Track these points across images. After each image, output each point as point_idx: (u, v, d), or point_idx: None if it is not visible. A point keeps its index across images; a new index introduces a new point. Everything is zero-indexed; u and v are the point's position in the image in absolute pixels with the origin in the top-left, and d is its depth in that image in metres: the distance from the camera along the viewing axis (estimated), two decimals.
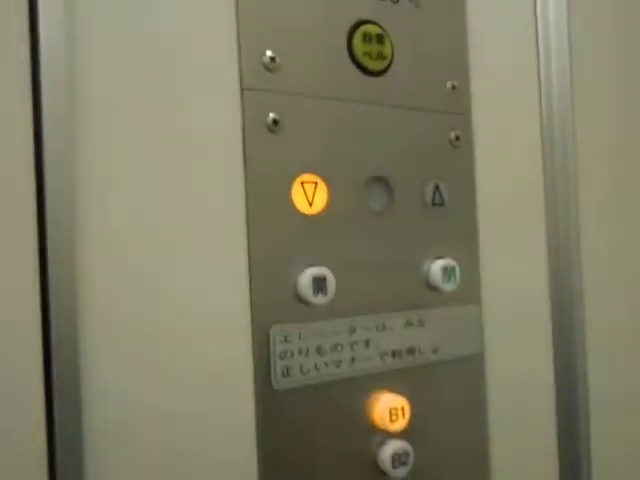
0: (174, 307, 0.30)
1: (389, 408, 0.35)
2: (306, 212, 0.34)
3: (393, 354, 0.36)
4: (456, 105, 0.40)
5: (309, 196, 0.34)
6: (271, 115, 0.33)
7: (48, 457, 0.27)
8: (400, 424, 0.36)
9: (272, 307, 0.33)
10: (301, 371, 0.33)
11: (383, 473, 0.35)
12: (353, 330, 0.35)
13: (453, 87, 0.39)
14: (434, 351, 0.38)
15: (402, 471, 0.35)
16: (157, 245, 0.30)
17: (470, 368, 0.40)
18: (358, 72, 0.36)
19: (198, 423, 0.31)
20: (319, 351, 0.34)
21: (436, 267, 0.38)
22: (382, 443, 0.36)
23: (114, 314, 0.29)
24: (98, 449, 0.28)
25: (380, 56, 0.36)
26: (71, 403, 0.27)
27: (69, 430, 0.27)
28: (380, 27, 0.36)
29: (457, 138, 0.40)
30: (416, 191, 0.38)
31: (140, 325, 0.29)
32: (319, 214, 0.34)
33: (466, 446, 0.39)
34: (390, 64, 0.37)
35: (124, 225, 0.29)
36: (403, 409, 0.36)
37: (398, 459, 0.35)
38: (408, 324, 0.37)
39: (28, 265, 0.27)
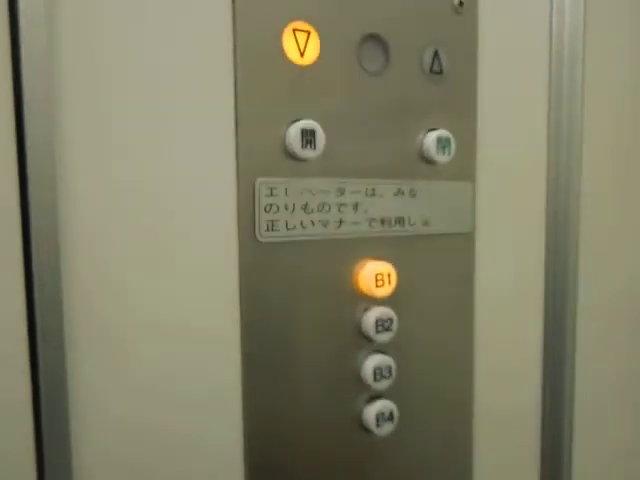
0: (157, 156, 0.29)
1: (375, 273, 0.35)
2: (297, 62, 0.32)
3: (382, 221, 0.36)
4: None
5: (301, 45, 0.32)
6: None
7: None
8: (385, 290, 0.35)
9: (259, 159, 0.32)
10: (287, 227, 0.32)
11: (366, 337, 0.35)
12: (342, 192, 0.34)
13: None
14: (424, 223, 0.37)
15: (385, 336, 0.35)
16: (139, 93, 0.29)
17: (460, 245, 0.39)
18: None
19: (181, 270, 0.30)
20: (305, 208, 0.33)
21: (430, 137, 0.36)
22: (366, 308, 0.35)
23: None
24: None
25: None
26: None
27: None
28: None
29: (460, 3, 0.37)
30: (414, 56, 0.36)
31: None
32: (311, 65, 0.32)
33: (450, 317, 0.39)
34: None
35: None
36: (389, 275, 0.35)
37: (382, 324, 0.35)
38: (399, 193, 0.36)
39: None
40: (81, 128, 0.28)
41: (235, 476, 0.32)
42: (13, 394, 0.27)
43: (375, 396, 0.36)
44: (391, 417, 0.36)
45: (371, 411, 0.36)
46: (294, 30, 0.32)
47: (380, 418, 0.36)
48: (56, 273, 0.27)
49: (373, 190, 0.35)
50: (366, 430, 0.36)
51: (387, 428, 0.36)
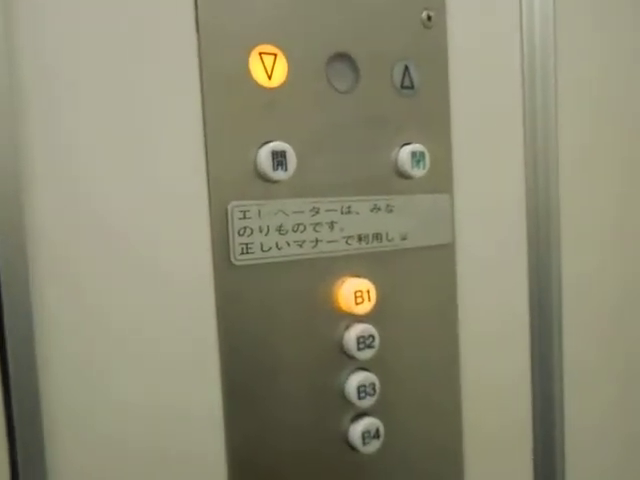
0: (128, 180, 0.29)
1: (354, 290, 0.35)
2: (265, 85, 0.32)
3: (359, 238, 0.36)
4: None
5: (268, 68, 0.32)
6: None
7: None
8: (365, 307, 0.35)
9: (230, 183, 0.32)
10: (262, 249, 0.32)
11: (348, 355, 0.35)
12: (316, 211, 0.34)
13: None
14: (403, 238, 0.37)
15: (367, 353, 0.35)
16: (109, 118, 0.29)
17: (440, 257, 0.39)
18: None
19: (158, 295, 0.30)
20: (280, 230, 0.33)
21: (404, 152, 0.37)
22: (347, 326, 0.35)
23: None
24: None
25: None
26: None
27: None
28: None
29: (429, 18, 0.38)
30: (384, 72, 0.36)
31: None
32: (279, 88, 0.33)
33: (434, 330, 0.39)
34: None
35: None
36: (369, 292, 0.35)
37: (364, 342, 0.35)
38: (375, 209, 0.36)
39: None
40: (47, 166, 0.28)
41: None
42: None
43: (360, 414, 0.36)
44: (377, 434, 0.36)
45: (357, 429, 0.35)
46: (260, 53, 0.32)
47: (366, 436, 0.35)
48: (25, 286, 0.27)
49: (349, 208, 0.35)
50: (352, 448, 0.36)
51: (374, 446, 0.36)
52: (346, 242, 0.35)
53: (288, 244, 0.33)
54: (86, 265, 0.29)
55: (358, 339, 0.35)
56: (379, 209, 0.36)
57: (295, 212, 0.33)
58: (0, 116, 0.26)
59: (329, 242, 0.35)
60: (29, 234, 0.27)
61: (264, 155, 0.32)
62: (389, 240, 0.37)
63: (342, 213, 0.35)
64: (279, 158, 0.32)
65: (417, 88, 0.37)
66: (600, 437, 0.48)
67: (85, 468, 0.29)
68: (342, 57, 0.35)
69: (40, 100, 0.27)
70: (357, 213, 0.35)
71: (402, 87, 0.37)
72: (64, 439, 0.28)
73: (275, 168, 0.32)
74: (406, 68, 0.37)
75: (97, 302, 0.29)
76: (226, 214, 0.31)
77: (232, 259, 0.32)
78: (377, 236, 0.36)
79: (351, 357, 0.35)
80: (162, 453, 0.31)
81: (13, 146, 0.26)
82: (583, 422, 0.46)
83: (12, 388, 0.27)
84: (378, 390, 0.36)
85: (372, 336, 0.35)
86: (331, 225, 0.35)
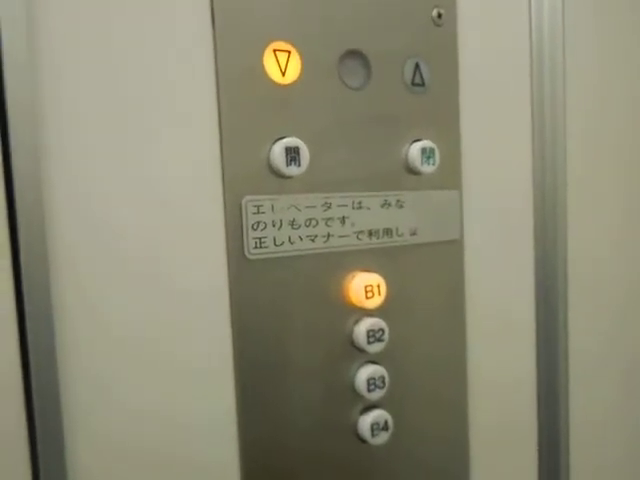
0: (144, 177, 0.30)
1: (365, 285, 0.35)
2: (279, 81, 0.33)
3: (370, 233, 0.36)
4: None
5: (282, 65, 0.33)
6: None
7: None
8: (375, 301, 0.36)
9: (245, 178, 0.32)
10: (275, 243, 0.33)
11: (358, 349, 0.36)
12: (328, 206, 0.35)
13: None
14: (412, 233, 0.38)
15: (377, 347, 0.36)
16: (125, 115, 0.29)
17: (449, 253, 0.40)
18: None
19: (171, 292, 0.31)
20: (293, 224, 0.33)
21: (415, 148, 0.37)
22: (358, 320, 0.36)
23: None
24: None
25: None
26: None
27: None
28: None
29: (439, 15, 0.38)
30: (395, 69, 0.37)
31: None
32: (292, 84, 0.33)
33: (442, 324, 0.39)
34: None
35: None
36: (379, 286, 0.36)
37: (373, 335, 0.36)
38: (386, 204, 0.37)
39: None
40: (66, 148, 0.28)
41: None
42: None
43: (369, 406, 0.37)
44: (386, 426, 0.36)
45: (366, 421, 0.36)
46: (274, 50, 0.32)
47: (375, 428, 0.36)
48: (46, 296, 0.28)
49: (360, 203, 0.36)
50: (362, 440, 0.36)
51: (382, 437, 0.36)
52: (357, 237, 0.36)
53: (300, 238, 0.34)
54: (100, 264, 0.29)
55: (368, 333, 0.35)
56: (389, 205, 0.37)
57: (307, 207, 0.34)
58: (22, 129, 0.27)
59: (340, 237, 0.35)
60: (48, 231, 0.28)
61: (278, 151, 0.32)
62: (399, 235, 0.37)
63: (353, 208, 0.35)
64: (292, 154, 0.32)
65: (427, 85, 0.38)
66: (605, 431, 0.49)
67: (102, 473, 0.30)
68: (354, 54, 0.35)
69: (58, 102, 0.28)
70: (368, 208, 0.36)
71: (413, 84, 0.37)
72: (82, 445, 0.29)
73: (288, 164, 0.32)
74: (417, 65, 0.37)
75: (111, 299, 0.29)
76: (240, 209, 0.32)
77: (246, 253, 0.32)
78: (387, 231, 0.37)
79: (361, 350, 0.36)
80: (175, 451, 0.31)
81: (34, 152, 0.27)
82: (588, 416, 0.46)
83: (34, 394, 0.28)
84: (387, 383, 0.36)
85: (382, 330, 0.36)
86: (342, 220, 0.35)
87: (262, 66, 0.32)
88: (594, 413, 0.47)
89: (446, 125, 0.39)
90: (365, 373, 0.36)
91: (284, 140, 0.32)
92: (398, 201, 0.37)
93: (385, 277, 0.36)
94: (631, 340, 0.49)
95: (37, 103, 0.27)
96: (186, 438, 0.32)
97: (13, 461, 0.28)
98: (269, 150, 0.32)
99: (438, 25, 0.38)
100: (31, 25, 0.27)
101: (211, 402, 0.32)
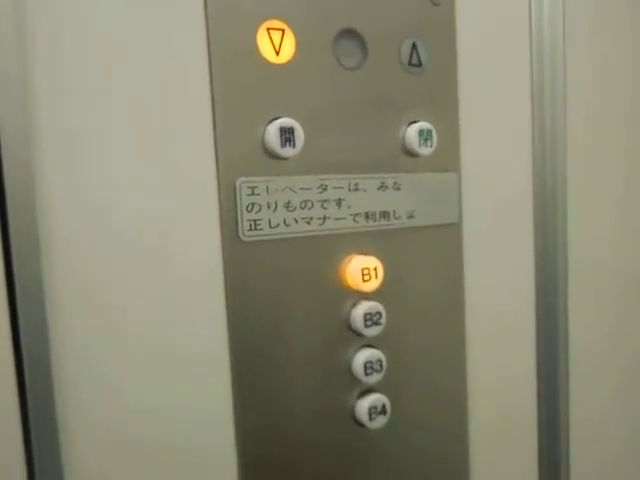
0: (137, 160, 0.29)
1: (361, 268, 0.35)
2: (273, 61, 0.32)
3: (367, 216, 0.36)
4: None
5: (276, 44, 0.32)
6: None
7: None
8: (373, 285, 0.35)
9: (239, 159, 0.32)
10: (270, 225, 0.33)
11: (355, 332, 0.36)
12: (324, 188, 0.34)
13: None
14: (410, 216, 0.37)
15: (374, 330, 0.36)
16: (117, 98, 0.29)
17: (447, 236, 0.39)
18: None
19: (165, 275, 0.31)
20: (288, 206, 0.33)
21: (412, 130, 0.36)
22: (355, 303, 0.36)
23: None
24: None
25: None
26: None
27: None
28: None
29: None
30: (392, 49, 0.36)
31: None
32: (287, 64, 0.33)
33: (440, 307, 0.39)
34: None
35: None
36: (376, 269, 0.35)
37: (371, 319, 0.35)
38: (382, 187, 0.36)
39: None
40: (59, 139, 0.28)
41: (228, 473, 0.33)
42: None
43: (367, 390, 0.36)
44: (384, 410, 0.36)
45: (363, 405, 0.36)
46: (268, 29, 0.32)
47: (373, 412, 0.36)
48: (37, 277, 0.27)
49: (356, 185, 0.35)
50: (359, 424, 0.36)
51: (380, 421, 0.36)
52: (353, 219, 0.35)
53: (296, 221, 0.33)
54: (93, 248, 0.29)
55: (365, 316, 0.35)
56: (386, 187, 0.36)
57: (303, 189, 0.33)
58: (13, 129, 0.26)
59: (337, 219, 0.35)
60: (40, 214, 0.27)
61: (272, 131, 0.32)
62: (396, 218, 0.37)
63: (350, 190, 0.35)
64: (287, 135, 0.32)
65: (425, 65, 0.37)
66: (605, 425, 0.48)
67: (97, 460, 0.29)
68: (350, 33, 0.35)
69: (51, 87, 0.27)
70: (364, 191, 0.35)
71: (410, 64, 0.37)
72: (78, 437, 0.29)
73: (283, 144, 0.32)
74: (414, 45, 0.37)
75: (104, 283, 0.29)
76: (234, 190, 0.32)
77: (240, 235, 0.32)
78: (384, 214, 0.36)
79: (358, 334, 0.35)
80: (170, 439, 0.31)
81: (25, 137, 0.27)
82: (588, 409, 0.46)
83: (27, 386, 0.27)
84: (385, 366, 0.36)
85: (379, 313, 0.36)
86: (339, 202, 0.35)
87: (256, 45, 0.32)
88: (595, 407, 0.47)
89: (444, 106, 0.38)
90: (362, 357, 0.35)
91: (278, 120, 0.32)
92: (395, 183, 0.37)
93: (382, 260, 0.36)
94: (633, 334, 0.49)
95: (28, 85, 0.27)
96: (181, 425, 0.31)
97: (7, 452, 0.28)
98: (263, 131, 0.32)
99: (436, 4, 0.38)
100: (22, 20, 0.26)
101: (206, 387, 0.32)
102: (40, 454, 0.28)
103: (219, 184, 0.31)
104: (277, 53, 0.32)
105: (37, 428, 0.28)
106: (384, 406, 0.36)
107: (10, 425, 0.27)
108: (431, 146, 0.37)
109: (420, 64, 0.37)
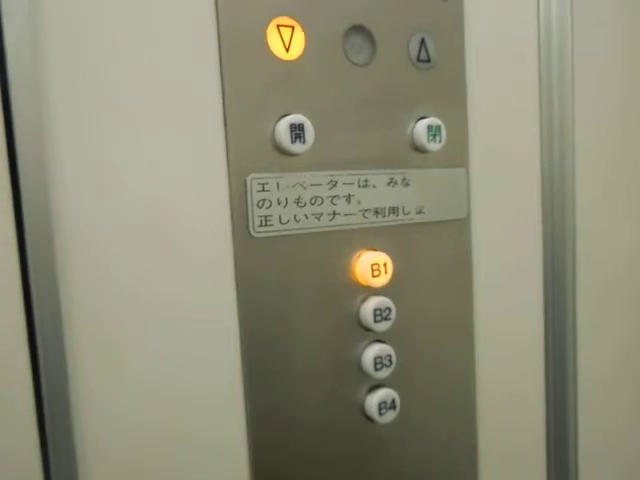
0: (149, 155, 0.30)
1: (371, 263, 0.35)
2: (283, 57, 0.32)
3: (376, 212, 0.36)
4: None
5: (286, 41, 0.32)
6: None
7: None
8: (382, 280, 0.36)
9: (249, 155, 0.32)
10: (280, 221, 0.33)
11: (365, 327, 0.36)
12: (334, 184, 0.34)
13: None
14: (419, 212, 0.37)
15: (384, 325, 0.36)
16: (130, 92, 0.29)
17: (456, 231, 0.39)
18: None
19: (177, 270, 0.31)
20: (298, 202, 0.33)
21: (421, 126, 0.37)
22: (364, 299, 0.36)
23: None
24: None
25: None
26: None
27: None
28: None
29: None
30: (400, 45, 0.36)
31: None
32: (297, 60, 0.33)
33: (449, 303, 0.39)
34: None
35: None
36: (385, 265, 0.36)
37: (380, 314, 0.36)
38: (392, 182, 0.36)
39: None
40: (71, 129, 0.28)
41: (240, 465, 0.33)
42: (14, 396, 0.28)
43: (376, 385, 0.36)
44: (393, 405, 0.36)
45: (373, 400, 0.36)
46: (278, 26, 0.32)
47: (382, 407, 0.36)
48: (51, 271, 0.27)
49: (366, 181, 0.35)
50: (369, 419, 0.36)
51: (390, 416, 0.36)
52: (363, 215, 0.35)
53: (306, 217, 0.33)
54: (105, 244, 0.29)
55: (375, 311, 0.35)
56: (395, 183, 0.36)
57: (313, 185, 0.34)
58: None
59: (346, 215, 0.35)
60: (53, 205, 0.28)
61: (282, 128, 0.32)
62: (405, 214, 0.37)
63: (359, 186, 0.35)
64: (297, 131, 0.32)
65: (433, 61, 0.37)
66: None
67: (108, 444, 0.30)
68: (359, 30, 0.35)
69: (65, 83, 0.28)
70: (374, 186, 0.36)
71: (418, 60, 0.37)
72: (89, 418, 0.29)
73: (293, 141, 0.32)
74: (422, 41, 0.37)
75: (117, 275, 0.29)
76: (245, 186, 0.32)
77: (251, 231, 0.32)
78: (393, 210, 0.36)
79: (368, 329, 0.36)
80: (181, 426, 0.31)
81: (37, 126, 0.27)
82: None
83: (42, 381, 0.28)
84: (394, 362, 0.36)
85: (388, 308, 0.36)
86: (348, 198, 0.35)
87: (266, 42, 0.32)
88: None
89: (452, 102, 0.38)
90: (372, 352, 0.36)
91: (289, 117, 0.32)
92: (404, 179, 0.37)
93: (391, 256, 0.36)
94: None
95: (42, 85, 0.27)
96: (193, 412, 0.32)
97: (21, 437, 0.28)
98: (274, 127, 0.32)
99: (444, 0, 0.38)
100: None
101: (218, 380, 0.32)
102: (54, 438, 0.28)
103: (230, 180, 0.31)
104: (287, 50, 0.32)
105: (52, 425, 0.28)
106: (394, 401, 0.36)
107: (25, 412, 0.28)
108: (440, 142, 0.37)
109: (429, 60, 0.37)
